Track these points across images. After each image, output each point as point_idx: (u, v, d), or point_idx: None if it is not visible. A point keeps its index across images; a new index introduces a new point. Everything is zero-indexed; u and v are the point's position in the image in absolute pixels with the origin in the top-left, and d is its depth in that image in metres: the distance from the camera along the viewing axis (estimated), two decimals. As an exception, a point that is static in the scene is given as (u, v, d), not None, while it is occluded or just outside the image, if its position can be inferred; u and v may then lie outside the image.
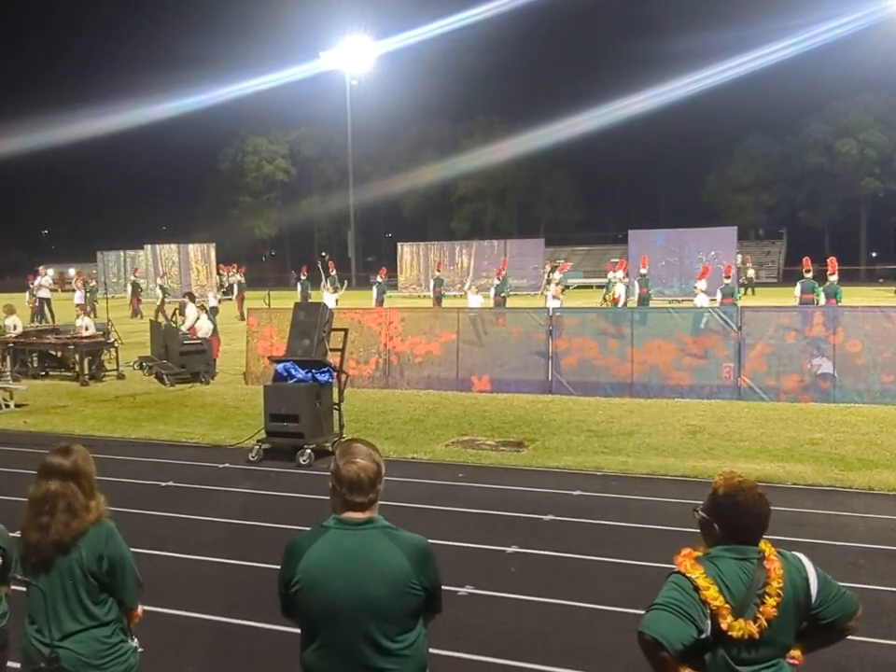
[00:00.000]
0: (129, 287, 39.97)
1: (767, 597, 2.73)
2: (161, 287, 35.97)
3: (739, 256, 37.34)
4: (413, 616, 2.88)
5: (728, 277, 24.25)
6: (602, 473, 9.40)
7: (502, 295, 27.12)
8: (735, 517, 2.83)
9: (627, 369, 14.30)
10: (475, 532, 7.41)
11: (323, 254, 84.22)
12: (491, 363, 15.15)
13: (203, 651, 5.32)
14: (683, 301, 32.60)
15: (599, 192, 78.78)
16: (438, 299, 32.95)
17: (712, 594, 2.70)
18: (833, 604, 2.83)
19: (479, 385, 15.05)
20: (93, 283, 36.20)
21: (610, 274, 27.11)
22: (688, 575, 2.75)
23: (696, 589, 2.71)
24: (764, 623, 2.71)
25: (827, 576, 2.88)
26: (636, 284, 28.87)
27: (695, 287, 21.76)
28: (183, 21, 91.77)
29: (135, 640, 3.51)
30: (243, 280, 36.66)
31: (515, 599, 5.98)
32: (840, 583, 2.92)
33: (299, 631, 2.97)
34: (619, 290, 25.00)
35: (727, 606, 2.70)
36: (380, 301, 31.66)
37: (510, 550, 6.96)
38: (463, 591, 6.01)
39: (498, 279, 29.02)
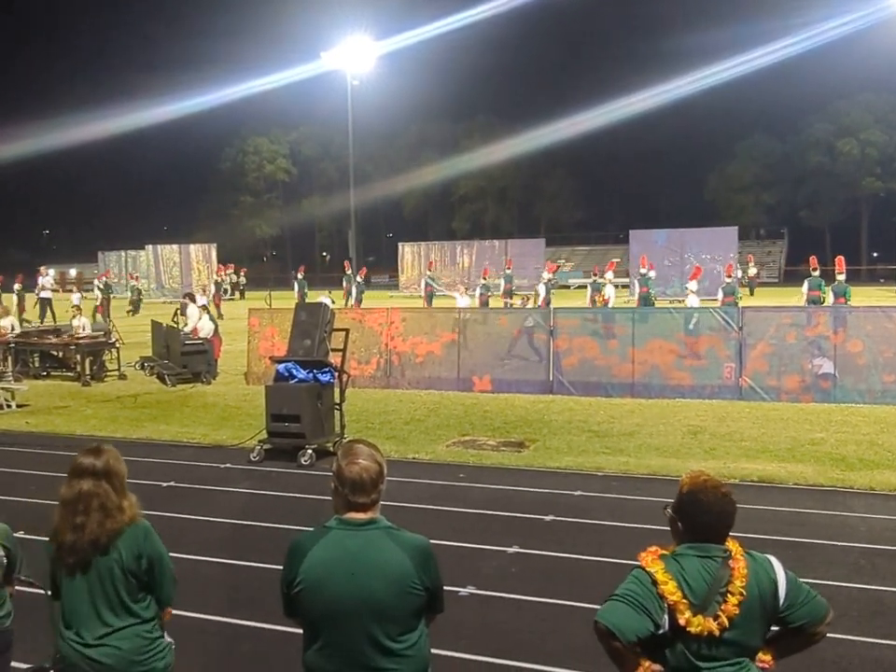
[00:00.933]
0: (129, 292, 40.30)
1: (729, 596, 2.74)
2: (100, 288, 34.26)
3: (733, 256, 37.20)
4: (415, 616, 2.89)
5: (730, 276, 24.30)
6: (603, 474, 9.41)
7: (488, 295, 27.47)
8: (696, 515, 2.86)
9: (628, 369, 14.31)
10: (476, 532, 7.42)
11: (324, 254, 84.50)
12: (492, 363, 15.17)
13: (204, 652, 5.33)
14: (684, 301, 32.57)
15: (600, 192, 78.88)
16: (429, 298, 33.22)
17: (670, 588, 2.73)
18: (802, 608, 2.82)
19: (480, 385, 15.06)
20: (105, 280, 36.05)
21: (608, 275, 27.03)
22: (647, 569, 2.80)
23: (654, 583, 2.76)
24: (725, 620, 2.72)
25: (798, 579, 2.88)
26: (636, 283, 28.93)
27: (686, 288, 21.79)
28: (184, 23, 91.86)
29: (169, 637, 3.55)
30: (221, 281, 36.62)
31: (516, 599, 6.00)
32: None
33: (301, 631, 2.98)
34: (608, 291, 24.88)
35: (685, 601, 2.72)
36: (358, 301, 31.92)
37: (511, 550, 6.97)
38: (464, 591, 6.02)
39: (484, 279, 29.43)
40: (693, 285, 20.77)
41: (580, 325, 14.90)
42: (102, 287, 34.03)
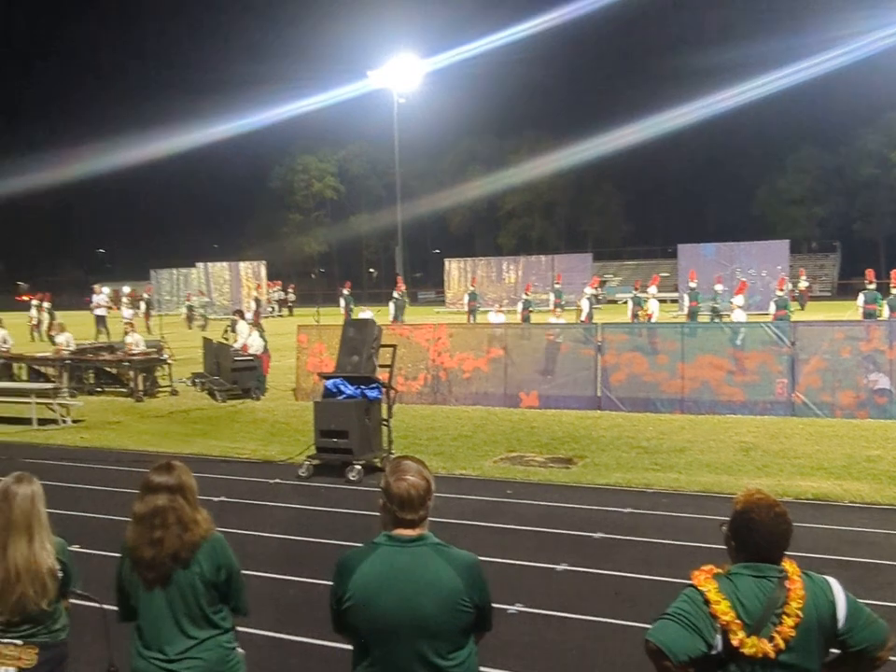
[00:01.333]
0: (184, 308, 41.09)
1: (785, 617, 2.67)
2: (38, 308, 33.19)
3: (784, 269, 36.56)
4: (464, 633, 2.88)
5: (781, 290, 23.92)
6: (653, 491, 9.29)
7: (529, 310, 27.44)
8: (749, 534, 2.80)
9: (678, 384, 14.14)
10: (524, 549, 7.37)
11: (371, 270, 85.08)
12: (539, 379, 15.10)
13: (253, 666, 5.35)
14: (730, 316, 32.12)
15: (648, 206, 78.34)
16: (472, 313, 33.35)
17: (723, 608, 2.67)
18: (862, 631, 2.73)
19: (527, 401, 15.00)
20: (147, 296, 36.69)
21: (651, 289, 26.72)
22: (700, 588, 2.75)
23: (707, 602, 2.70)
24: (781, 642, 2.66)
25: (858, 602, 2.79)
26: (685, 297, 28.62)
27: (731, 303, 21.47)
28: (235, 46, 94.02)
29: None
30: (261, 298, 36.79)
31: (565, 617, 5.94)
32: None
33: (351, 647, 2.98)
34: (652, 306, 24.57)
35: (739, 622, 2.66)
36: (396, 317, 32.04)
37: (559, 567, 6.91)
38: (513, 609, 5.98)
39: (527, 294, 29.44)
40: (738, 300, 20.49)
41: (628, 340, 14.78)
42: (142, 302, 34.60)
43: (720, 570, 2.81)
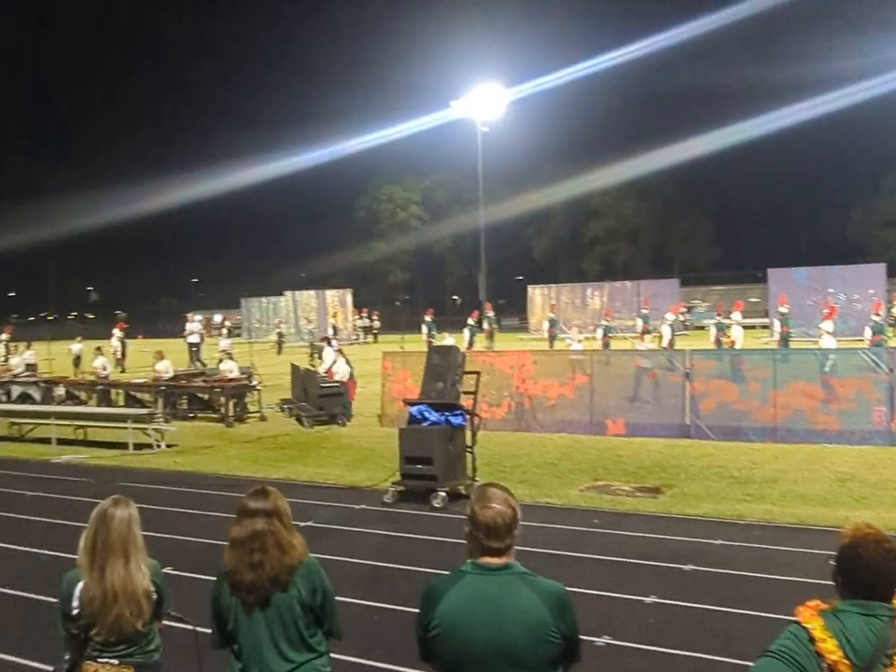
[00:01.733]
0: (274, 335, 42.17)
1: None
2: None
3: (878, 294, 35.19)
4: (552, 665, 2.83)
5: (878, 314, 23.03)
6: (745, 522, 9.02)
7: (609, 336, 27.10)
8: (855, 570, 2.66)
9: (770, 413, 13.73)
10: (612, 580, 7.23)
11: (454, 297, 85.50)
12: (626, 406, 14.88)
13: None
14: (818, 342, 31.08)
15: (736, 230, 76.90)
16: (552, 339, 33.14)
17: (829, 647, 2.54)
18: None
19: (613, 428, 14.78)
20: (279, 329, 37.38)
21: (734, 315, 25.86)
22: (805, 625, 2.61)
23: (812, 640, 2.57)
24: None
25: None
26: (776, 323, 27.83)
27: (819, 328, 20.71)
28: (322, 79, 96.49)
29: None
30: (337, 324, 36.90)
31: (655, 651, 5.79)
32: None
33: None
34: (735, 333, 23.43)
35: (846, 662, 2.52)
36: (470, 344, 31.92)
37: (648, 600, 6.75)
38: (600, 641, 5.86)
39: (607, 320, 29.09)
40: (827, 325, 19.77)
41: (717, 367, 14.45)
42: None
43: (826, 607, 2.68)
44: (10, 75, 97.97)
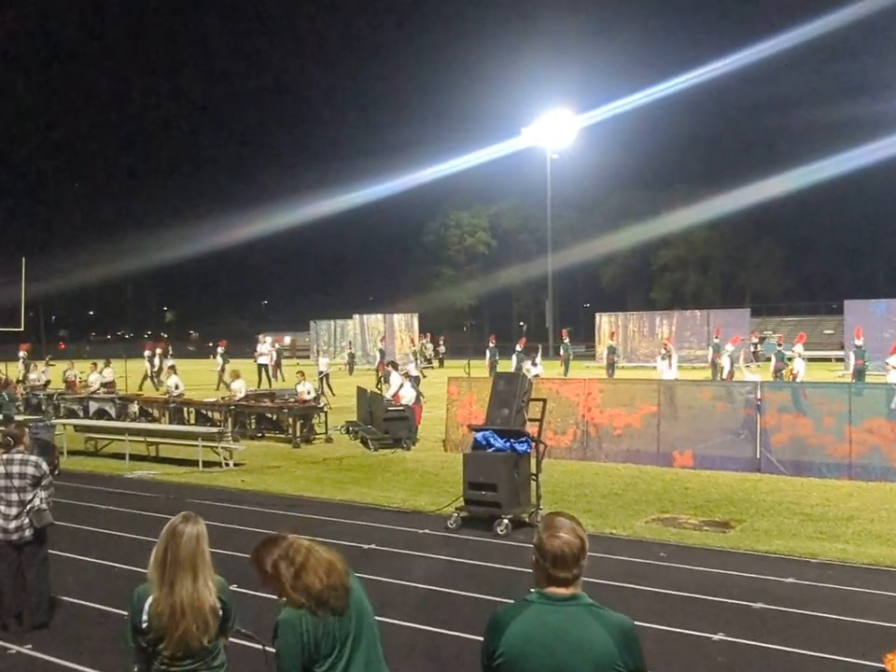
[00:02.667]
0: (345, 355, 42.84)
1: None
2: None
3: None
4: None
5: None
6: (817, 561, 8.75)
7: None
8: None
9: (845, 448, 13.32)
10: (678, 615, 7.08)
11: (521, 324, 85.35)
12: (694, 438, 14.60)
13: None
14: (885, 377, 30.10)
15: (810, 260, 75.15)
16: (610, 366, 32.74)
17: None
18: None
19: (681, 460, 14.51)
20: (350, 350, 37.93)
21: (797, 347, 25.07)
22: None
23: None
24: None
25: None
26: (851, 356, 27.09)
27: (887, 363, 20.01)
28: (395, 110, 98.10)
29: None
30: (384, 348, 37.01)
31: (722, 691, 5.64)
32: None
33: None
34: (798, 366, 22.56)
35: None
36: (518, 369, 31.74)
37: (716, 637, 6.59)
38: (665, 678, 5.73)
39: (665, 349, 28.71)
40: (894, 360, 19.13)
41: (790, 400, 14.09)
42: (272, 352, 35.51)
43: None
44: (103, 112, 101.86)
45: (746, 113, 73.33)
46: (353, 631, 3.35)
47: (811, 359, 42.94)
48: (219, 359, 32.98)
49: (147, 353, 35.01)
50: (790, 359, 23.84)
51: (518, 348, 33.83)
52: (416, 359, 35.25)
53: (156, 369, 33.55)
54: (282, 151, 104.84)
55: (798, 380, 21.97)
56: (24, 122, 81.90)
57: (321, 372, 29.76)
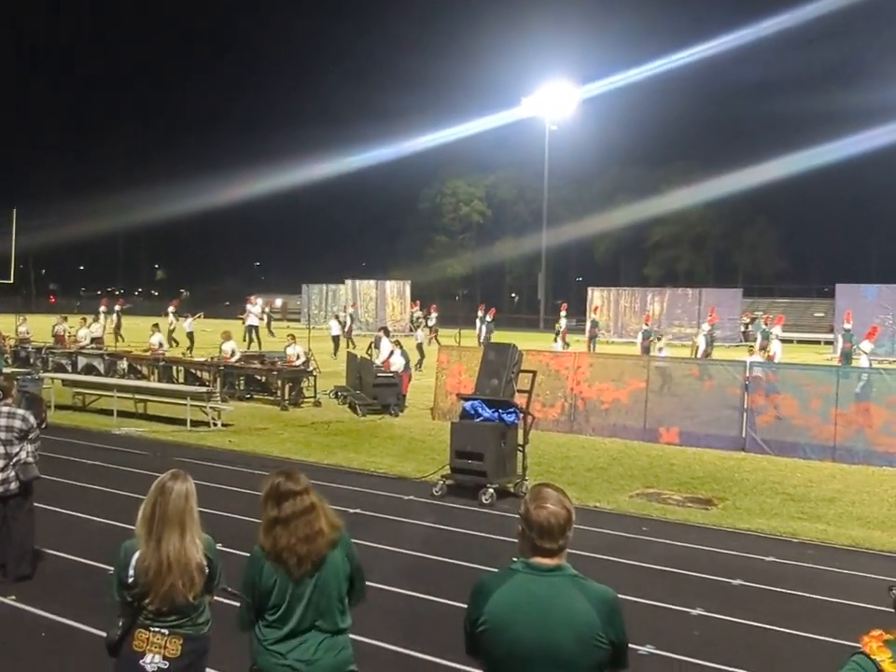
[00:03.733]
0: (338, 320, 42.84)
1: None
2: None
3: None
4: (598, 669, 2.81)
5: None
6: (798, 540, 8.85)
7: (649, 341, 27.03)
8: None
9: (830, 431, 13.42)
10: (658, 589, 7.16)
11: (513, 295, 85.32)
12: (681, 415, 14.68)
13: (380, 680, 5.42)
14: (895, 362, 30.31)
15: (804, 242, 75.10)
16: (591, 339, 32.98)
17: None
18: None
19: (667, 436, 14.60)
20: (348, 312, 37.91)
21: (775, 329, 25.08)
22: (873, 657, 2.51)
23: None
24: None
25: None
26: (840, 339, 27.20)
27: (859, 349, 20.09)
28: (395, 75, 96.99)
29: None
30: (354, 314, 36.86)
31: (699, 665, 5.71)
32: None
33: (474, 670, 2.96)
34: (775, 347, 22.53)
35: None
36: (487, 340, 31.91)
37: (694, 612, 6.67)
38: (644, 650, 5.80)
39: (646, 325, 29.01)
40: (865, 345, 19.18)
41: (778, 381, 14.16)
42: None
43: (890, 636, 2.60)
44: (88, 70, 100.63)
45: (746, 93, 72.72)
46: (309, 598, 3.46)
47: (800, 342, 43.40)
48: (171, 318, 32.88)
49: (170, 308, 34.81)
50: (769, 341, 23.80)
51: (488, 318, 33.95)
52: (416, 328, 35.26)
53: (172, 326, 33.43)
54: (280, 112, 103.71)
55: (776, 361, 21.96)
56: (12, 72, 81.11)
57: (337, 335, 31.14)
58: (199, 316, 33.16)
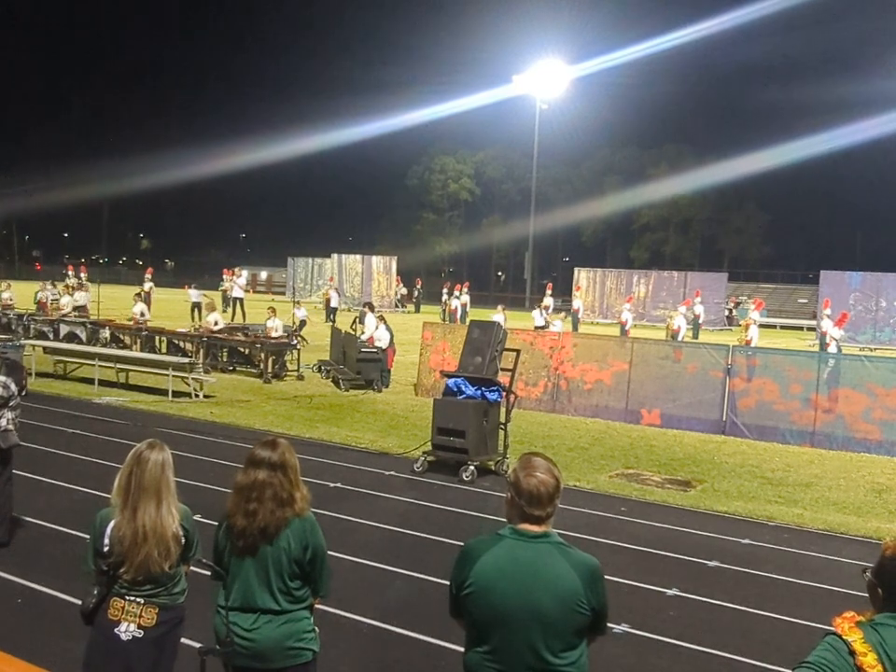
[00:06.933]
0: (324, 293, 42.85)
1: None
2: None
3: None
4: (578, 634, 2.88)
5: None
6: (774, 524, 8.93)
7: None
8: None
9: (810, 416, 13.53)
10: (634, 569, 7.21)
11: (499, 273, 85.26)
12: (663, 397, 14.75)
13: (355, 652, 5.44)
14: (876, 349, 30.54)
15: (790, 228, 75.36)
16: (572, 318, 33.65)
17: (869, 661, 2.46)
18: None
19: (648, 418, 14.68)
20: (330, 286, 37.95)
21: (753, 314, 25.09)
22: (845, 637, 2.52)
23: (852, 653, 2.48)
24: None
25: None
26: (821, 325, 27.40)
27: (829, 335, 20.24)
28: (386, 50, 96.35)
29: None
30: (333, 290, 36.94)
31: (674, 644, 5.77)
32: None
33: (450, 645, 2.99)
34: (752, 332, 22.62)
35: None
36: (462, 318, 32.20)
37: (670, 592, 6.72)
38: (619, 629, 5.85)
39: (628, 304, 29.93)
40: (835, 332, 19.29)
41: (760, 365, 14.23)
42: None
43: (862, 618, 2.61)
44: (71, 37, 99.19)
45: (739, 78, 72.88)
46: (255, 570, 3.48)
47: (783, 327, 43.65)
48: (146, 286, 33.14)
49: (147, 276, 35.04)
50: (746, 326, 23.85)
51: (456, 293, 34.10)
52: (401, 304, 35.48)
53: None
54: (269, 84, 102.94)
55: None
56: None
57: (334, 308, 32.20)
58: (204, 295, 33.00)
